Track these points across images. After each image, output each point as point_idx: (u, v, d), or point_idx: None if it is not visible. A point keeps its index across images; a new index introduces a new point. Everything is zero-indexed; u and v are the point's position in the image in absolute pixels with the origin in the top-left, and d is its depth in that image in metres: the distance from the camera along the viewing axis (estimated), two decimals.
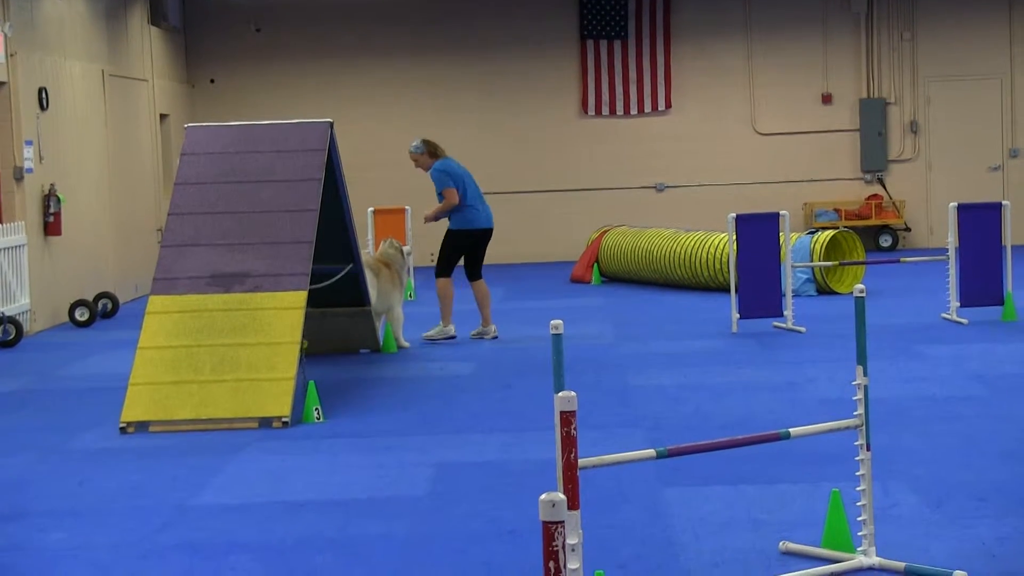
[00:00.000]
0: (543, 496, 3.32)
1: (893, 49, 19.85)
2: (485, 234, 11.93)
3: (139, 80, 17.51)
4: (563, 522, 3.33)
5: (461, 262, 11.97)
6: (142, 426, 8.56)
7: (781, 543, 5.56)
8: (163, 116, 18.48)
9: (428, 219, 12.02)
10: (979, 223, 11.87)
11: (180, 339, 8.94)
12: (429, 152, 11.90)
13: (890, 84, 19.91)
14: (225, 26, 20.09)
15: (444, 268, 11.92)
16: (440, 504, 6.55)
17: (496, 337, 12.07)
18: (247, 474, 7.34)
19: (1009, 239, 11.94)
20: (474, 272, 11.94)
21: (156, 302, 9.17)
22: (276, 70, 20.19)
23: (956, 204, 12.01)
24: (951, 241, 11.93)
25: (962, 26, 19.77)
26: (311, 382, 8.76)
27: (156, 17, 18.26)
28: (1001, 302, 11.91)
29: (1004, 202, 12.07)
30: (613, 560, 5.49)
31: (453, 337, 11.98)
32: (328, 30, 20.12)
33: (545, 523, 3.32)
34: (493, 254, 19.68)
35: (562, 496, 3.32)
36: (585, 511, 4.86)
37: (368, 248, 15.79)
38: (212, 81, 20.23)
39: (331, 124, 10.10)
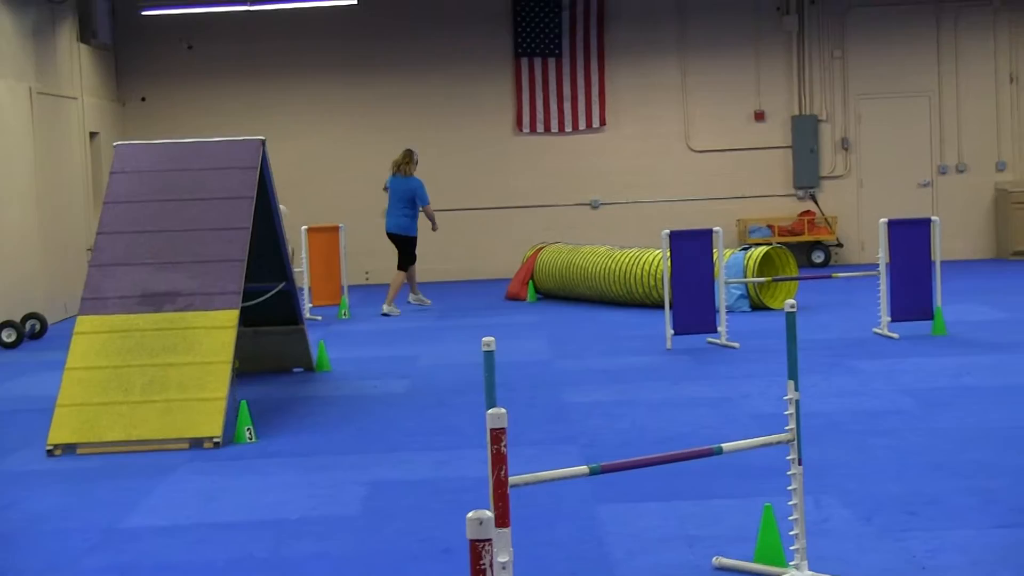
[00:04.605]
0: (470, 514, 3.29)
1: (824, 67, 20.05)
2: (389, 236, 15.85)
3: (68, 98, 17.31)
4: (491, 540, 3.30)
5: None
6: (70, 448, 8.43)
7: (715, 558, 5.56)
8: (93, 134, 18.28)
9: None
10: (909, 239, 11.99)
11: (109, 359, 8.82)
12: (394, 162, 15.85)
13: (822, 101, 20.10)
14: (156, 44, 19.92)
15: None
16: (374, 523, 6.49)
17: (387, 315, 15.41)
18: (177, 495, 7.25)
19: (939, 254, 12.06)
20: (399, 264, 15.86)
21: (84, 322, 9.05)
22: (208, 88, 20.04)
23: (887, 220, 12.12)
24: (882, 257, 12.04)
25: (891, 44, 20.00)
26: (243, 401, 8.67)
27: (85, 34, 18.05)
28: (931, 317, 12.03)
29: (933, 218, 12.20)
30: None
31: (387, 315, 15.51)
32: (261, 48, 20.01)
33: (472, 541, 3.29)
34: (428, 271, 19.79)
35: (489, 513, 3.29)
36: (519, 528, 4.84)
37: (303, 268, 15.69)
38: (143, 99, 20.04)
39: (263, 142, 10.02)
